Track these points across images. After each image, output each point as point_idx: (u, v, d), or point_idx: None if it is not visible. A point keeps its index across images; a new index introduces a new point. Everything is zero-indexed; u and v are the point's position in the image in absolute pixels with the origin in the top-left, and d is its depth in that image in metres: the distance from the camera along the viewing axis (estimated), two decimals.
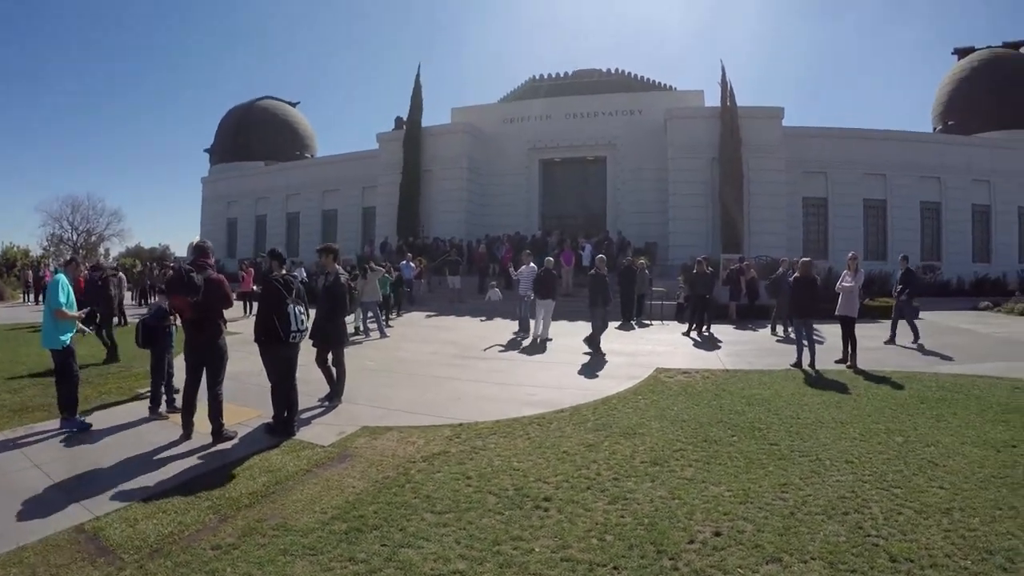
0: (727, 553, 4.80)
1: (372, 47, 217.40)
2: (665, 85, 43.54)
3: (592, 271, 15.22)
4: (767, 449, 7.29)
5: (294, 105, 56.58)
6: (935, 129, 43.56)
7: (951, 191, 36.11)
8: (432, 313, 23.57)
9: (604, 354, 13.98)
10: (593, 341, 14.27)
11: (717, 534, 5.11)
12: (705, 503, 5.70)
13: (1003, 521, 5.51)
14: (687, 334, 17.45)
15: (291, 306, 7.59)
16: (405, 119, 38.84)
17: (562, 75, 44.14)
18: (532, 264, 17.91)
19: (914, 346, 15.39)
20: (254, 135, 50.89)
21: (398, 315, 22.69)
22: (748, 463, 6.79)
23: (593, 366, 12.76)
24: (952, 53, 46.54)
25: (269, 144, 50.69)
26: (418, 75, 38.57)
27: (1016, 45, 43.90)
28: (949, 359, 13.54)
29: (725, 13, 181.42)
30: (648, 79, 43.82)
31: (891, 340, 15.93)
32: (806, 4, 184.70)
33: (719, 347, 15.47)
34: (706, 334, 17.51)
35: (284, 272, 8.02)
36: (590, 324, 14.72)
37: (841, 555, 4.79)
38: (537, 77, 44.94)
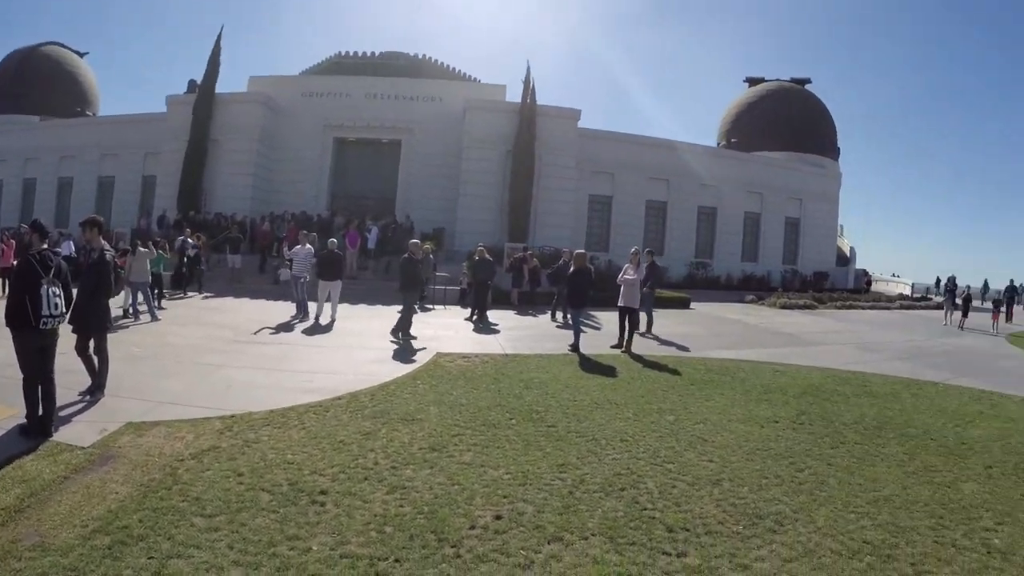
0: (509, 536, 4.84)
1: (177, 3, 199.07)
2: (471, 77, 44.49)
3: (404, 255, 14.96)
4: (545, 431, 7.49)
5: (82, 55, 49.68)
6: (719, 144, 49.14)
7: (727, 198, 41.20)
8: (209, 294, 22.04)
9: (414, 338, 13.85)
10: (403, 327, 14.02)
11: (498, 517, 5.13)
12: (485, 487, 5.72)
13: (770, 488, 6.11)
14: (469, 319, 17.74)
15: (45, 287, 6.67)
16: (200, 83, 36.20)
17: (369, 54, 43.64)
18: (309, 245, 17.68)
19: (649, 336, 16.46)
20: (32, 85, 44.18)
21: (199, 292, 21.82)
22: (526, 445, 6.92)
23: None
24: (744, 80, 53.39)
25: (48, 97, 44.41)
26: (219, 37, 36.16)
27: (802, 82, 51.31)
28: (685, 349, 14.63)
29: (544, 18, 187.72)
30: (456, 69, 44.60)
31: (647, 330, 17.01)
32: (621, 21, 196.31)
33: (500, 332, 15.85)
34: (490, 322, 17.83)
35: (45, 247, 7.05)
36: (400, 310, 14.51)
37: (620, 529, 5.01)
38: (343, 53, 44.05)
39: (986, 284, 45.12)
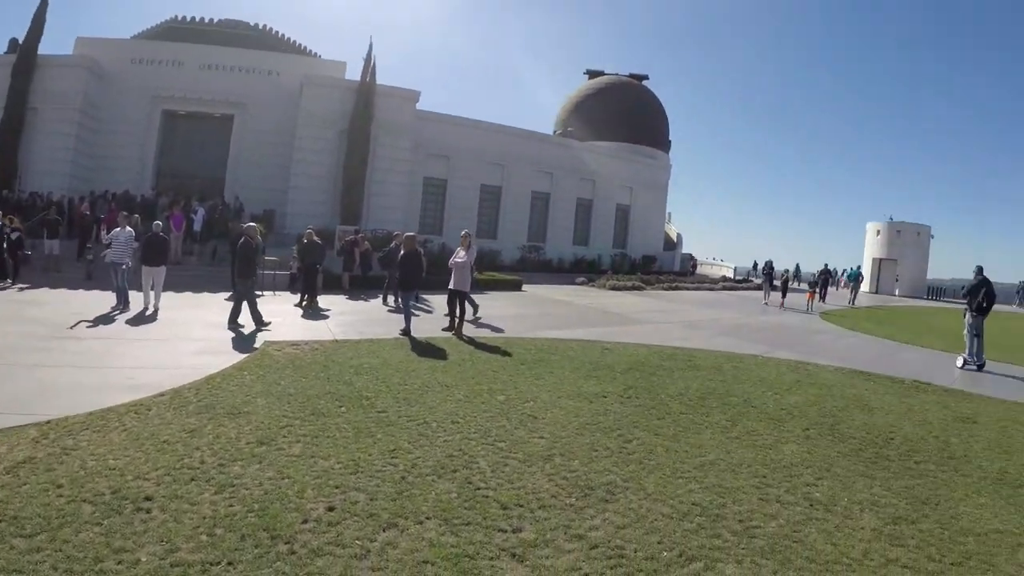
0: (343, 527, 4.73)
1: None
2: (312, 52, 42.56)
3: (241, 239, 14.13)
4: (376, 417, 7.40)
5: None
6: (556, 132, 50.48)
7: (561, 185, 42.52)
8: (24, 285, 19.89)
9: (267, 325, 13.30)
10: (237, 315, 13.29)
11: (331, 509, 5.01)
12: (316, 479, 5.56)
13: (600, 460, 6.34)
14: (299, 305, 17.19)
15: None
16: (21, 42, 32.35)
17: (207, 20, 41.25)
18: (130, 228, 16.34)
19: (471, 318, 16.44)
20: None
21: (12, 282, 19.25)
22: (357, 433, 6.80)
23: (199, 341, 11.87)
24: (584, 73, 55.49)
25: None
26: None
27: (640, 77, 54.07)
28: (516, 330, 14.93)
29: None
30: (297, 43, 42.47)
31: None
32: (469, 7, 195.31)
33: (330, 318, 15.50)
34: (320, 307, 17.36)
35: None
36: (234, 297, 13.85)
37: (454, 511, 5.02)
38: (179, 18, 41.30)
39: (798, 268, 49.06)
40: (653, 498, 5.54)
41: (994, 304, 15.36)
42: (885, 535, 5.36)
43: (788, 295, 27.97)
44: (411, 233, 14.64)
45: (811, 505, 5.80)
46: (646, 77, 54.26)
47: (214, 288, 19.19)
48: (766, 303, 27.92)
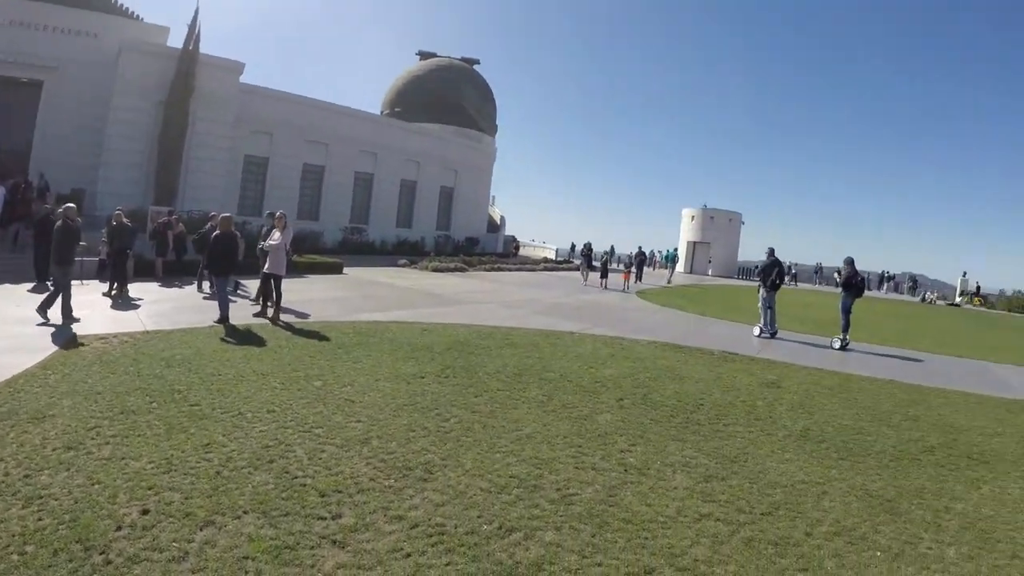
0: (158, 530, 4.58)
1: None
2: (134, 14, 37.99)
3: (58, 222, 12.80)
4: (188, 411, 7.12)
5: None
6: (383, 112, 49.39)
7: (385, 166, 41.59)
8: None
9: (77, 320, 12.14)
10: (50, 305, 12.11)
11: (145, 512, 4.82)
12: (128, 481, 5.32)
13: (417, 440, 6.47)
14: (108, 294, 15.97)
15: None
16: None
17: None
18: None
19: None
20: None
21: None
22: (169, 429, 6.52)
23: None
24: (416, 54, 54.31)
25: None
26: None
27: (471, 61, 53.79)
28: (336, 314, 14.75)
29: None
30: (118, 3, 38.06)
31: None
32: None
33: (141, 307, 14.45)
34: (131, 296, 16.23)
35: None
36: (51, 286, 12.69)
37: (272, 502, 4.97)
38: None
39: (612, 249, 51.16)
40: (471, 474, 5.73)
41: (784, 281, 16.93)
42: (697, 493, 5.82)
43: (609, 275, 29.43)
44: (227, 214, 13.91)
45: (626, 470, 6.19)
46: (477, 61, 54.37)
47: (15, 278, 17.43)
48: (585, 283, 29.01)
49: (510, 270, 33.40)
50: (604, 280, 29.21)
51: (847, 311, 16.33)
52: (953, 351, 17.42)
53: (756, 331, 16.75)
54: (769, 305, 16.79)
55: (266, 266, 13.51)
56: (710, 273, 50.61)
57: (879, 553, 5.01)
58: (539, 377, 9.64)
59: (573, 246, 56.86)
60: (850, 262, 16.56)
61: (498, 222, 54.15)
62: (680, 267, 47.08)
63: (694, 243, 53.58)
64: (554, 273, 35.56)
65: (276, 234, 13.75)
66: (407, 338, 11.82)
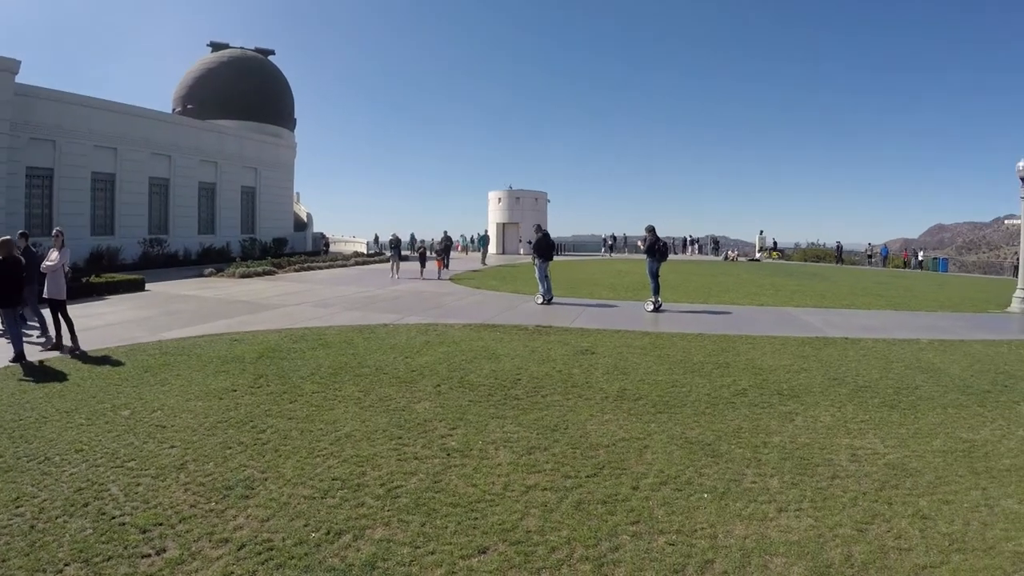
0: None
1: None
2: None
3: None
4: None
5: None
6: (175, 110, 46.40)
7: (181, 169, 39.42)
8: None
9: None
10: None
11: None
12: None
13: (235, 457, 6.39)
14: None
15: None
16: None
17: None
18: None
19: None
20: None
21: None
22: None
23: None
24: (208, 45, 51.45)
25: None
26: None
27: (266, 52, 51.91)
28: (139, 335, 14.29)
29: None
30: None
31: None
32: None
33: None
34: None
35: None
36: None
37: (93, 548, 4.76)
38: None
39: (413, 237, 51.41)
40: (293, 483, 5.75)
41: (668, 254, 18.40)
42: (522, 466, 6.13)
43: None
44: (6, 237, 12.63)
45: (448, 455, 6.42)
46: (272, 52, 52.64)
47: None
48: (395, 276, 28.60)
49: (321, 268, 32.89)
50: (423, 269, 29.63)
51: (654, 275, 17.67)
52: (756, 301, 19.11)
53: (648, 305, 17.56)
54: (654, 274, 17.75)
55: (44, 291, 12.56)
56: (521, 252, 51.95)
57: (706, 495, 5.47)
58: (354, 374, 9.72)
59: (377, 238, 56.74)
60: (651, 229, 17.97)
61: (305, 219, 53.07)
62: (492, 248, 48.24)
63: (503, 224, 55.01)
64: (365, 267, 35.40)
65: (53, 254, 12.61)
66: (217, 351, 11.47)
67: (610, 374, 9.77)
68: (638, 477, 5.87)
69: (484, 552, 4.63)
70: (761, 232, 53.57)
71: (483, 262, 37.35)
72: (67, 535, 5.03)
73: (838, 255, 50.59)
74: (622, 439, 6.88)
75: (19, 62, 29.77)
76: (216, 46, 51.43)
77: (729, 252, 52.78)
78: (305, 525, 5.03)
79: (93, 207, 34.66)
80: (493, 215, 56.48)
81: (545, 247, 19.33)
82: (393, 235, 31.28)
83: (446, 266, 32.61)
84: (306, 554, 4.61)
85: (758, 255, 50.14)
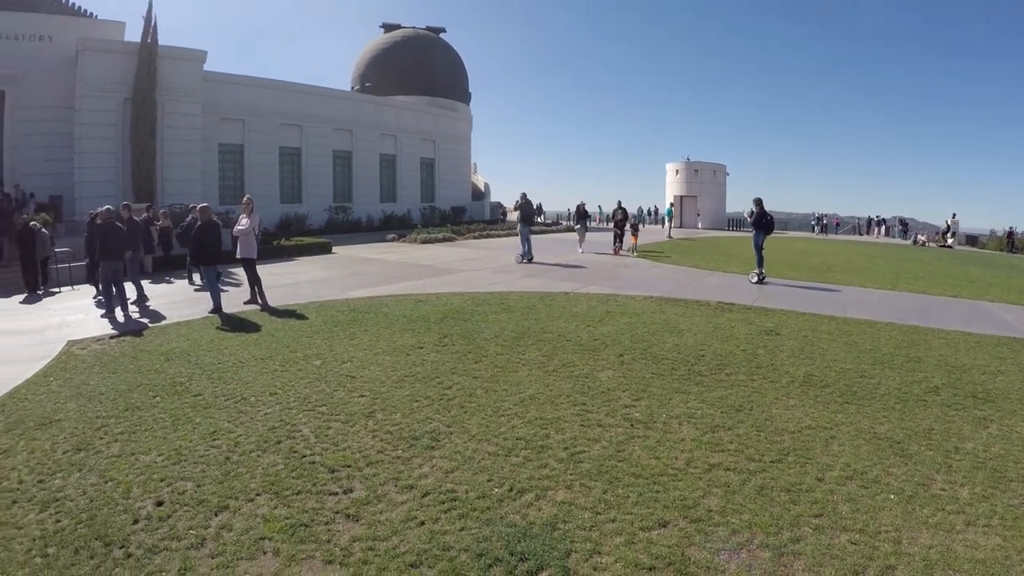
0: (175, 519, 4.64)
1: None
2: (87, 12, 37.25)
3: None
4: (192, 402, 7.16)
5: None
6: (354, 88, 48.89)
7: (362, 142, 41.30)
8: None
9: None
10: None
11: (159, 504, 4.89)
12: (140, 476, 5.37)
13: (421, 410, 6.51)
14: (97, 297, 15.90)
15: None
16: None
17: None
18: None
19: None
20: None
21: None
22: (175, 421, 6.57)
23: None
24: (380, 27, 53.53)
25: None
26: None
27: (436, 30, 53.07)
28: (327, 293, 14.87)
29: None
30: (70, 2, 37.26)
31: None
32: None
33: (133, 305, 14.43)
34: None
35: None
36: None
37: (283, 482, 5.04)
38: None
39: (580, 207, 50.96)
40: (478, 439, 5.77)
41: (774, 227, 17.52)
42: (705, 443, 5.86)
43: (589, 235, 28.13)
44: (204, 204, 13.89)
45: (631, 425, 6.22)
46: (443, 30, 53.70)
47: (6, 291, 17.20)
48: (581, 251, 25.67)
49: (499, 236, 33.26)
50: (632, 240, 26.72)
51: (759, 248, 17.27)
52: (948, 292, 17.50)
53: (752, 278, 17.11)
54: (759, 246, 17.40)
55: (237, 252, 13.49)
56: (700, 226, 50.45)
57: (892, 496, 5.03)
58: (537, 339, 9.67)
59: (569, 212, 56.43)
60: (759, 202, 17.47)
61: (483, 189, 53.98)
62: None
63: (680, 197, 53.51)
64: (543, 236, 35.47)
65: (243, 219, 13.67)
66: (402, 311, 11.82)
67: (795, 357, 9.16)
68: (823, 468, 5.47)
69: (664, 526, 4.48)
70: (954, 216, 48.66)
71: (669, 235, 36.11)
72: (259, 468, 5.35)
73: (1010, 242, 43.92)
74: (808, 427, 6.42)
75: (205, 52, 32.59)
76: (388, 27, 52.95)
77: (919, 235, 48.52)
78: (488, 480, 5.03)
79: (281, 177, 37.36)
80: (670, 187, 55.04)
81: (528, 213, 22.70)
82: (579, 204, 29.41)
83: (620, 241, 30.66)
84: (488, 508, 4.61)
85: (949, 240, 45.51)
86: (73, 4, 36.02)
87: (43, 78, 29.90)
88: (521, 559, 4.07)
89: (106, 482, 5.30)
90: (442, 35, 53.27)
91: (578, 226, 28.50)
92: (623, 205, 28.56)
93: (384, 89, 46.30)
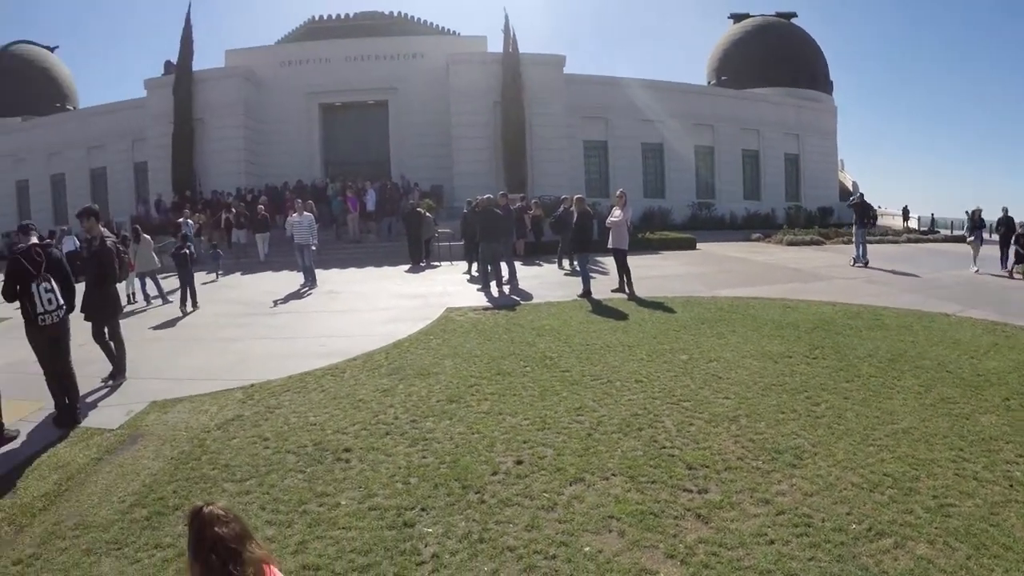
0: (531, 480, 4.95)
1: None
2: (449, 30, 43.21)
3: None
4: (560, 376, 7.58)
5: (52, 50, 48.19)
6: (709, 83, 48.24)
7: (723, 137, 40.78)
8: (221, 272, 21.84)
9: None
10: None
11: (519, 462, 5.25)
12: (504, 434, 5.81)
13: (787, 423, 6.17)
14: (468, 272, 17.80)
15: (35, 285, 6.70)
16: (176, 63, 35.17)
17: (343, 16, 42.48)
18: (308, 213, 17.41)
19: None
20: (7, 86, 42.84)
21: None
22: (542, 391, 7.01)
23: (384, 311, 12.61)
24: (729, 17, 52.32)
25: (26, 96, 43.20)
26: (188, 14, 35.19)
27: (787, 16, 50.42)
28: (693, 289, 14.72)
29: None
30: (433, 24, 43.30)
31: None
32: None
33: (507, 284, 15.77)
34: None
35: (34, 242, 7.06)
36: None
37: (640, 468, 5.10)
38: (316, 18, 43.00)
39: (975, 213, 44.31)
40: (843, 466, 5.33)
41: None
42: None
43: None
44: (580, 195, 14.81)
45: (1011, 486, 5.18)
46: (794, 15, 50.36)
47: (394, 261, 20.40)
48: (975, 269, 19.82)
49: (869, 242, 30.71)
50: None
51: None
52: None
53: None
54: None
55: (609, 242, 14.02)
56: None
57: None
58: (914, 364, 8.66)
59: (969, 214, 49.39)
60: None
61: (850, 189, 49.98)
62: None
63: None
64: (918, 245, 31.91)
65: (617, 211, 14.25)
66: (770, 315, 11.39)
67: None
68: None
69: None
70: None
71: None
72: (619, 450, 5.48)
73: None
74: None
75: (564, 57, 36.29)
76: (737, 16, 50.85)
77: None
78: (848, 513, 4.60)
79: (644, 172, 38.76)
80: None
81: (861, 213, 20.72)
82: (975, 210, 22.79)
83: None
84: (842, 543, 4.21)
85: None
86: (437, 25, 41.58)
87: (417, 88, 35.66)
88: None
89: (473, 433, 5.82)
90: (793, 20, 49.92)
91: (971, 237, 21.85)
92: (1009, 213, 22.28)
93: (741, 81, 44.94)
